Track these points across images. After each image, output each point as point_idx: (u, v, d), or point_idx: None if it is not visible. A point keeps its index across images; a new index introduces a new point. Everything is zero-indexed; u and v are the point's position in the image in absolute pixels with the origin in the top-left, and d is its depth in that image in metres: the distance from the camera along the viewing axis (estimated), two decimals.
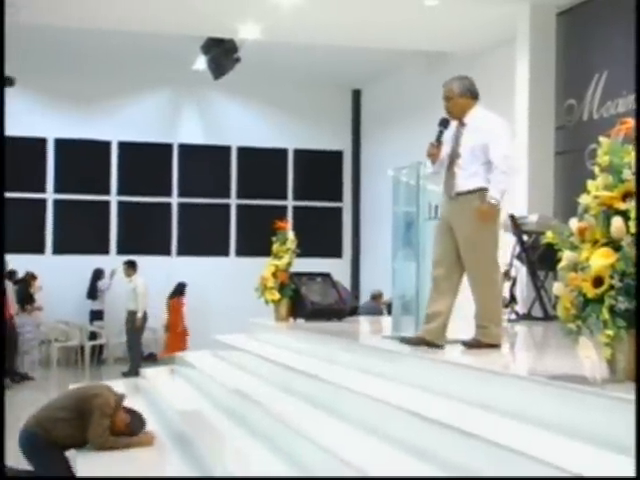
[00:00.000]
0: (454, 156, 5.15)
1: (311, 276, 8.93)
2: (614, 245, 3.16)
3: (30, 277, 13.47)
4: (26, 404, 9.36)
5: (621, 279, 3.11)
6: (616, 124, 3.36)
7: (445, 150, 5.24)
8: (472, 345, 5.03)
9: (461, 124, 5.21)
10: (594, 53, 9.42)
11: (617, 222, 3.15)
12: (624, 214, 3.16)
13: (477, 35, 11.10)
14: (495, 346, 5.03)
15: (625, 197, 3.18)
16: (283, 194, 16.19)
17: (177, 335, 14.44)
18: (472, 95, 5.25)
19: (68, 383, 9.48)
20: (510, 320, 8.41)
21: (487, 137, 5.04)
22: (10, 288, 12.56)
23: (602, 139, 3.33)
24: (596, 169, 3.32)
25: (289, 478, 4.16)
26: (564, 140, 9.86)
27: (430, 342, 5.06)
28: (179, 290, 14.71)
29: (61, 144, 15.27)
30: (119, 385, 6.93)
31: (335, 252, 16.20)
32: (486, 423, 3.52)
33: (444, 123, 5.28)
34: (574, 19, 9.80)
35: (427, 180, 5.93)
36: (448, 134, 5.27)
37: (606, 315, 3.11)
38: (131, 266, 13.07)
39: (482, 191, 5.01)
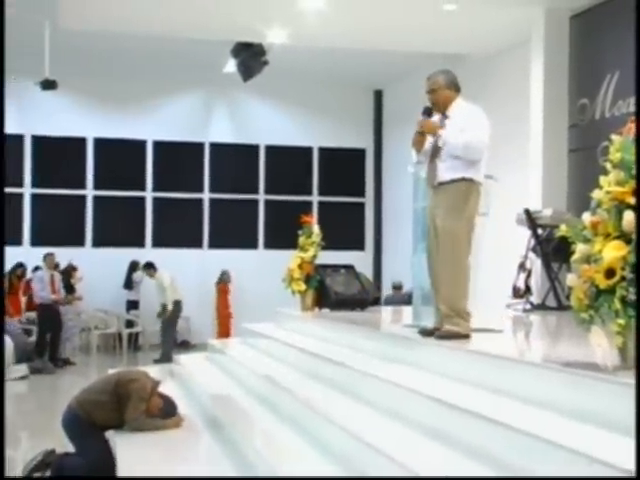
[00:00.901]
0: (436, 147, 5.04)
1: (335, 268, 8.93)
2: (625, 238, 3.14)
3: (71, 269, 13.58)
4: (68, 387, 9.47)
5: (632, 270, 3.09)
6: (627, 122, 3.33)
7: (428, 141, 5.14)
8: (443, 336, 4.83)
9: (444, 116, 5.10)
10: (606, 54, 9.34)
11: (628, 216, 3.12)
12: (635, 208, 3.13)
13: (493, 38, 11.04)
14: (465, 336, 4.85)
15: (635, 192, 3.16)
16: (309, 190, 16.20)
17: (221, 320, 14.65)
18: (455, 88, 5.15)
19: (106, 368, 9.57)
20: (525, 310, 8.38)
21: (466, 123, 4.96)
22: (57, 278, 12.69)
23: (614, 137, 3.31)
24: (608, 165, 3.29)
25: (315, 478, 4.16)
26: (577, 138, 9.79)
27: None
28: (221, 278, 14.96)
29: (100, 143, 15.37)
30: (155, 371, 6.98)
31: (358, 245, 16.19)
32: (502, 408, 3.51)
33: (428, 112, 5.14)
34: (587, 22, 9.72)
35: None
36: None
37: (618, 305, 3.10)
38: (150, 267, 13.04)
39: (463, 181, 4.95)
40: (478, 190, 5.06)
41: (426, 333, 5.13)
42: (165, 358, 11.97)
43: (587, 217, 3.31)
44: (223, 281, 15.12)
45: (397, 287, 12.90)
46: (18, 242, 14.59)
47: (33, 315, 13.18)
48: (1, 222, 7.48)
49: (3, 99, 5.43)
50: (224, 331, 14.41)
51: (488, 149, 5.05)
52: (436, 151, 5.04)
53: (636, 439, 2.45)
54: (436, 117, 5.17)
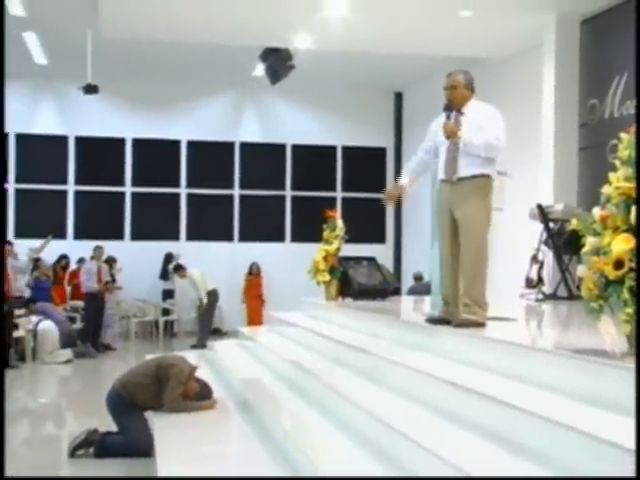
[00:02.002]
0: (455, 143, 4.97)
1: (358, 260, 8.93)
2: (633, 231, 3.12)
3: (111, 260, 13.68)
4: (109, 371, 9.57)
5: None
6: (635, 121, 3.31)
7: (438, 138, 5.09)
8: (461, 324, 4.80)
9: (460, 113, 5.03)
10: (615, 57, 9.26)
11: (636, 211, 3.10)
12: (636, 204, 3.11)
13: (507, 42, 10.97)
14: (481, 325, 4.82)
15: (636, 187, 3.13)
16: (332, 186, 16.19)
17: (254, 309, 14.69)
18: (472, 89, 5.10)
19: (144, 353, 9.65)
20: (537, 299, 8.34)
21: (484, 123, 4.91)
22: (104, 269, 12.80)
23: (623, 135, 3.28)
24: (617, 162, 3.27)
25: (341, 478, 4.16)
26: (587, 137, 9.72)
27: (448, 320, 4.98)
28: (251, 269, 15.06)
29: (137, 143, 15.45)
30: (191, 356, 7.02)
31: (379, 238, 16.16)
32: (515, 392, 3.51)
33: (449, 108, 5.08)
34: (596, 26, 9.63)
35: None
36: (440, 123, 5.09)
37: (626, 295, 3.08)
38: (179, 269, 13.04)
39: (482, 177, 4.94)
40: (492, 185, 5.06)
41: (433, 321, 5.12)
42: (201, 344, 12.04)
43: (597, 211, 3.29)
44: (253, 272, 15.17)
45: (418, 278, 12.90)
46: (62, 236, 14.71)
47: (77, 304, 13.30)
48: (1, 221, 7.47)
49: (3, 99, 5.43)
50: (256, 319, 14.44)
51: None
52: (455, 149, 5.00)
53: (636, 438, 2.42)
54: (452, 114, 5.11)
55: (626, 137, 3.26)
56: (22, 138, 14.96)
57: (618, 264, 3.12)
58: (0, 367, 7.24)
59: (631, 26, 8.89)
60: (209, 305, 12.93)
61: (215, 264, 13.86)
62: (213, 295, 12.97)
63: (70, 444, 5.81)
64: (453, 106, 5.07)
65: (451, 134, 4.96)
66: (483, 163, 4.94)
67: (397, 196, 5.27)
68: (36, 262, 12.45)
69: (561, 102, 9.73)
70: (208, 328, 13.05)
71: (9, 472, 5.84)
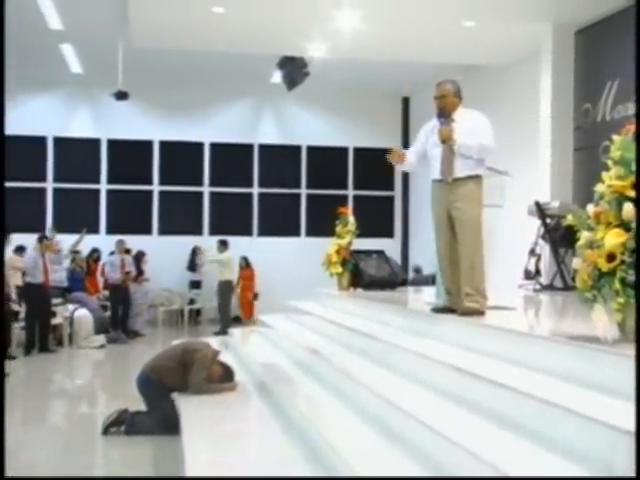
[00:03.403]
0: (451, 149, 4.97)
1: (368, 253, 8.92)
2: (625, 226, 3.11)
3: (140, 254, 13.74)
4: (139, 355, 9.60)
5: (631, 255, 3.06)
6: (626, 124, 3.29)
7: (431, 141, 5.11)
8: (465, 313, 4.80)
9: (450, 119, 5.04)
10: (607, 65, 9.20)
11: (627, 207, 3.10)
12: (633, 200, 3.10)
13: (507, 50, 10.92)
14: (482, 313, 4.82)
15: (634, 186, 3.12)
16: (344, 185, 16.17)
17: (246, 303, 14.49)
18: (460, 96, 5.11)
19: (171, 339, 9.68)
20: (535, 290, 8.30)
21: (474, 128, 4.93)
22: (128, 261, 12.87)
23: (615, 137, 3.27)
24: (609, 162, 3.26)
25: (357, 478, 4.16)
26: (581, 139, 9.66)
27: (452, 309, 4.97)
28: (241, 264, 14.72)
29: (164, 145, 15.48)
30: (213, 342, 7.05)
31: (388, 233, 16.13)
32: (514, 375, 3.50)
33: (441, 116, 5.10)
34: (590, 36, 9.57)
35: None
36: (434, 128, 5.11)
37: (618, 286, 3.07)
38: (223, 244, 13.24)
39: (475, 177, 4.96)
40: (482, 184, 5.08)
41: (438, 310, 5.12)
42: (223, 331, 12.08)
43: (591, 208, 3.28)
44: (242, 266, 14.68)
45: (417, 271, 12.97)
46: (96, 231, 14.78)
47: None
48: (1, 220, 7.42)
49: (3, 99, 5.42)
50: (246, 312, 14.30)
51: (496, 147, 5.05)
52: (450, 152, 5.01)
53: (636, 436, 2.40)
54: (444, 120, 5.12)
55: (618, 139, 3.25)
56: (59, 141, 15.04)
57: (610, 257, 3.11)
58: (0, 366, 7.00)
59: (622, 36, 8.86)
60: (226, 294, 12.95)
61: (236, 257, 13.89)
62: (228, 285, 12.99)
63: (103, 422, 5.85)
64: (443, 113, 5.09)
65: (446, 138, 4.97)
66: (475, 165, 4.98)
67: (398, 157, 5.26)
68: (73, 255, 12.53)
69: (557, 106, 9.69)
70: (228, 316, 13.10)
71: (52, 443, 5.92)
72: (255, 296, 14.68)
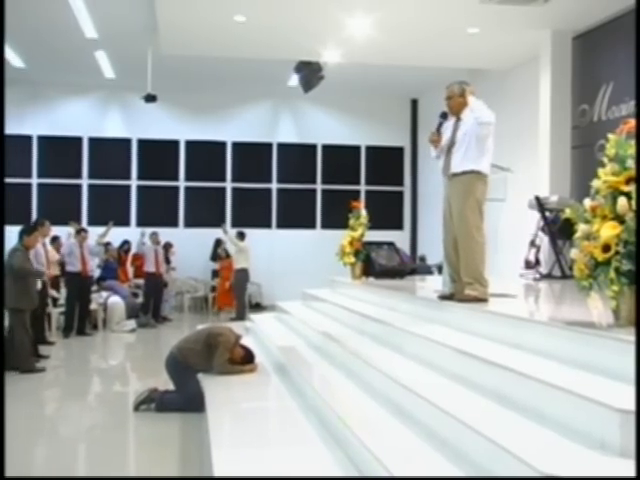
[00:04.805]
0: (451, 144, 4.98)
1: (379, 244, 8.90)
2: (619, 219, 3.10)
3: (168, 245, 13.79)
4: (167, 339, 9.68)
5: (625, 246, 3.05)
6: (620, 124, 3.27)
7: (445, 138, 5.09)
8: (462, 299, 4.79)
9: (458, 119, 5.03)
10: (602, 68, 9.13)
11: (622, 201, 3.08)
12: (627, 195, 3.08)
13: (508, 55, 10.85)
14: (483, 300, 4.78)
15: (628, 181, 3.11)
16: (357, 181, 16.14)
17: (224, 292, 14.18)
18: (465, 96, 5.04)
19: (196, 324, 9.75)
20: (535, 278, 8.27)
21: (476, 113, 4.86)
22: (160, 252, 12.93)
23: (610, 136, 3.25)
24: (605, 159, 3.24)
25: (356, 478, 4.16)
26: (578, 137, 9.59)
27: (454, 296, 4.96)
28: (218, 253, 14.44)
29: (190, 144, 15.52)
30: (235, 327, 7.08)
31: (398, 225, 16.10)
32: (515, 358, 3.49)
33: (444, 115, 5.11)
34: (586, 42, 9.50)
35: None
36: (448, 126, 5.11)
37: (612, 275, 3.06)
38: (240, 235, 13.21)
39: (472, 173, 4.87)
40: (484, 180, 4.95)
41: (444, 297, 5.11)
42: (239, 317, 12.09)
43: (587, 202, 3.27)
44: (221, 256, 14.24)
45: (422, 259, 12.94)
46: (127, 224, 14.88)
47: (139, 282, 13.45)
48: (1, 219, 7.43)
49: (3, 99, 5.40)
50: (223, 301, 14.06)
51: (499, 145, 5.00)
52: (450, 147, 4.99)
53: (636, 434, 2.38)
54: (452, 120, 5.13)
55: (613, 137, 3.23)
56: (93, 141, 15.12)
57: (606, 248, 3.10)
58: (0, 367, 6.88)
59: (616, 41, 8.80)
60: (242, 282, 12.93)
61: (256, 248, 13.91)
62: (244, 273, 12.96)
63: (135, 400, 5.90)
64: (452, 113, 5.08)
65: (431, 143, 5.09)
66: (472, 160, 4.89)
67: (436, 140, 5.20)
68: (106, 246, 12.60)
69: (556, 107, 9.62)
70: (243, 303, 13.08)
71: (89, 417, 5.98)
72: (232, 287, 14.20)
